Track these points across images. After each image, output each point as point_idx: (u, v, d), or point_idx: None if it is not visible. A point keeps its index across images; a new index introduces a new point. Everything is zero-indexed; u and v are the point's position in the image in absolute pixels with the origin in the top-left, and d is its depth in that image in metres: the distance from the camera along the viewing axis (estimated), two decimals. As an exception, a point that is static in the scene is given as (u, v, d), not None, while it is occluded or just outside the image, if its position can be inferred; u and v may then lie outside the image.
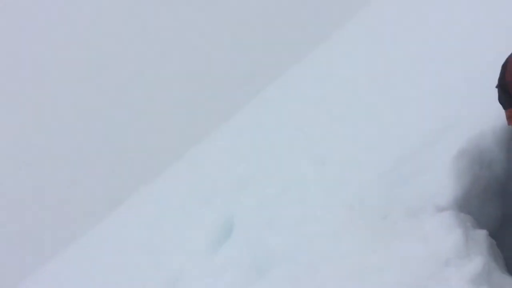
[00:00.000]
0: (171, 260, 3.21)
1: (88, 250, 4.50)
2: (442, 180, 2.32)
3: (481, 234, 1.96)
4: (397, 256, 2.01)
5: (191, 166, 4.58)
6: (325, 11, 8.04)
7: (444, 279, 1.78)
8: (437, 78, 3.09)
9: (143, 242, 3.77)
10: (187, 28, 9.71)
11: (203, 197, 3.74)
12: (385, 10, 5.03)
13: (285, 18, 8.92)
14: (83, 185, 7.44)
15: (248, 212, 3.20)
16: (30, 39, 10.56)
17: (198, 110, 7.82)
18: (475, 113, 2.54)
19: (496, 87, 2.12)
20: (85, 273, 4.01)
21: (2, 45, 10.53)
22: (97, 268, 3.89)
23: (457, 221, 1.96)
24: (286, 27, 8.64)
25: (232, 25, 9.31)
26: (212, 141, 4.86)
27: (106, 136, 8.30)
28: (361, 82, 3.79)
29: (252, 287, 2.51)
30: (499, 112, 2.20)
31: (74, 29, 10.49)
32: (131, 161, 7.50)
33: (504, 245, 2.26)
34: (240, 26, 9.20)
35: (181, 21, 9.87)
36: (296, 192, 2.97)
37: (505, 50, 2.05)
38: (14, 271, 5.71)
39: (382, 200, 2.50)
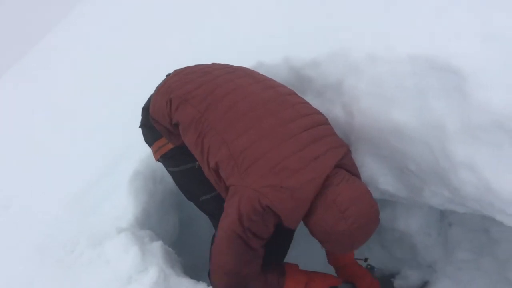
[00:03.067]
0: None
1: None
2: (122, 203, 2.48)
3: (157, 246, 2.17)
4: (85, 286, 2.05)
5: None
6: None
7: (128, 296, 1.91)
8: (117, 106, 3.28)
9: None
10: None
11: None
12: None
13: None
14: None
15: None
16: None
17: None
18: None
19: (140, 127, 2.35)
20: None
21: None
22: None
23: (134, 239, 2.12)
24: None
25: None
26: None
27: None
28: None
29: None
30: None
31: None
32: None
33: (183, 250, 2.57)
34: None
35: None
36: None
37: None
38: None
39: (70, 234, 2.50)
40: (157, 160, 2.31)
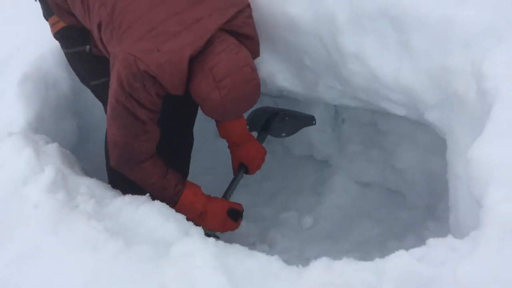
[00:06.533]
0: None
1: None
2: (13, 108, 2.34)
3: (53, 148, 2.10)
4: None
5: None
6: None
7: (24, 196, 1.85)
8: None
9: None
10: None
11: None
12: None
13: None
14: None
15: None
16: None
17: None
18: (35, 38, 2.58)
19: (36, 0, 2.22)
20: None
21: None
22: None
23: (26, 141, 2.02)
24: None
25: None
26: None
27: None
28: None
29: None
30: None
31: None
32: None
33: (84, 157, 2.53)
34: None
35: None
36: None
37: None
38: None
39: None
40: (54, 37, 2.23)
